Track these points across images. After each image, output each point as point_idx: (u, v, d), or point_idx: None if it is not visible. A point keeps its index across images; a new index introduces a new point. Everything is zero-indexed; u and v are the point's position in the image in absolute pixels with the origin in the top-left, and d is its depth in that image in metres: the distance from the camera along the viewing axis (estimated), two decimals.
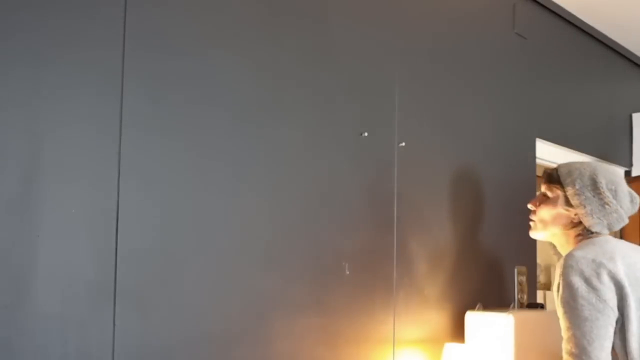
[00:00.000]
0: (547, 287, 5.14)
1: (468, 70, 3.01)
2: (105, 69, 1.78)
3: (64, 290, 1.68)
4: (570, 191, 2.15)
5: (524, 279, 3.12)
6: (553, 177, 2.22)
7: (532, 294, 3.23)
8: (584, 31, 3.85)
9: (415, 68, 2.72)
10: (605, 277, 1.98)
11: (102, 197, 1.76)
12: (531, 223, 2.30)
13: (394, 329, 2.55)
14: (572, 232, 2.18)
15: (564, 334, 2.00)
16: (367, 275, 2.41)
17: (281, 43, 2.23)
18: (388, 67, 2.61)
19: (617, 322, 1.99)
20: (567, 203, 2.17)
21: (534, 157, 3.40)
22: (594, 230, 2.13)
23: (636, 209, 2.19)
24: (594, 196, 2.13)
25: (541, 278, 5.10)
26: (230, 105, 2.07)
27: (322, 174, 2.33)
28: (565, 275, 2.01)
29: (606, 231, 2.15)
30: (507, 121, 3.23)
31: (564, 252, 2.18)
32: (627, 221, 2.18)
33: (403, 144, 2.46)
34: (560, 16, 3.63)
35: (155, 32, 1.89)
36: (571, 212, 2.17)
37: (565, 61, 3.73)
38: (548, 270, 5.17)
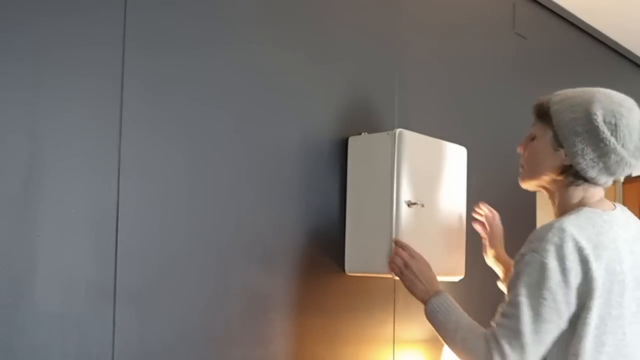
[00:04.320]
0: None
1: (468, 70, 3.01)
2: (105, 69, 1.78)
3: (64, 290, 1.68)
4: (558, 126, 1.71)
5: None
6: (542, 109, 1.79)
7: None
8: (584, 31, 3.85)
9: (415, 68, 2.72)
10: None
11: (102, 197, 1.76)
12: (520, 169, 1.86)
13: (394, 329, 2.55)
14: (563, 180, 1.74)
15: (506, 309, 1.66)
16: (367, 275, 2.41)
17: (281, 43, 2.24)
18: (388, 68, 2.61)
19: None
20: (556, 141, 1.72)
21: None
22: (587, 175, 1.69)
23: None
24: (586, 131, 1.66)
25: None
26: (230, 105, 2.07)
27: (322, 173, 2.33)
28: (539, 245, 1.62)
29: (604, 178, 1.71)
30: (507, 121, 3.23)
31: (560, 210, 1.76)
32: (635, 167, 1.71)
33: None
34: (560, 16, 3.63)
35: (155, 32, 1.89)
36: (561, 153, 1.71)
37: (566, 61, 3.73)
38: None
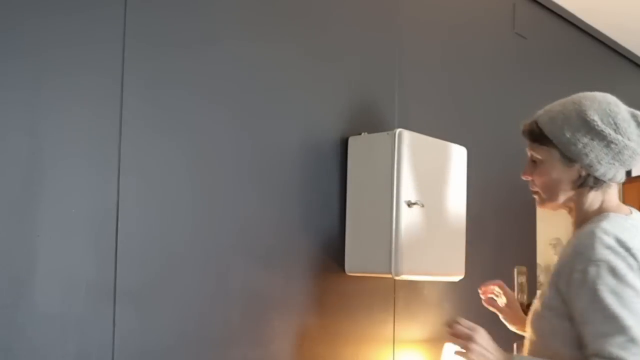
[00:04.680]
0: None
1: (468, 70, 3.01)
2: (105, 68, 1.78)
3: (64, 290, 1.68)
4: (562, 144, 1.70)
5: (524, 279, 3.12)
6: (535, 133, 1.76)
7: (532, 294, 3.22)
8: (584, 31, 3.85)
9: (415, 68, 2.72)
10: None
11: (102, 197, 1.76)
12: (535, 196, 1.83)
13: (394, 329, 2.55)
14: (585, 189, 1.72)
15: (602, 328, 1.55)
16: (367, 275, 2.41)
17: (282, 43, 2.23)
18: (388, 68, 2.61)
19: None
20: (566, 158, 1.70)
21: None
22: (607, 178, 1.69)
23: None
24: (592, 139, 1.67)
25: (541, 278, 5.09)
26: (230, 105, 2.07)
27: (322, 173, 2.33)
28: (595, 253, 1.58)
29: (621, 174, 1.71)
30: (507, 121, 3.23)
31: (580, 217, 1.74)
32: None
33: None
34: (560, 16, 3.63)
35: (155, 31, 1.89)
36: (575, 167, 1.70)
37: (566, 61, 3.73)
38: (548, 270, 5.17)
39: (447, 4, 2.94)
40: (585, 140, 1.67)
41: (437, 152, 2.42)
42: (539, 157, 1.76)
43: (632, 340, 1.52)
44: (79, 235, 1.71)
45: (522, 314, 2.02)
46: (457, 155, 2.50)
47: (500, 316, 2.04)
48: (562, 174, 1.72)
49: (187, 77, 1.96)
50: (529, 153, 1.79)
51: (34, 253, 1.63)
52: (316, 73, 2.34)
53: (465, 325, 1.78)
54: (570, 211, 1.78)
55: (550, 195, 1.77)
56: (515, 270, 2.94)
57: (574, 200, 1.76)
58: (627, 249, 1.59)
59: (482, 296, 2.05)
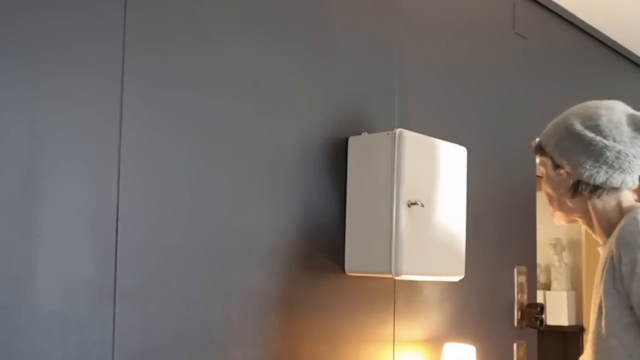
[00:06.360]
0: (547, 287, 5.14)
1: (468, 70, 3.01)
2: (105, 68, 1.78)
3: (64, 290, 1.67)
4: (550, 151, 1.72)
5: (524, 279, 3.12)
6: (538, 146, 1.79)
7: (532, 294, 3.23)
8: (584, 31, 3.85)
9: (415, 68, 2.72)
10: None
11: (102, 197, 1.76)
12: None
13: (394, 329, 2.55)
14: (582, 198, 1.69)
15: None
16: (367, 275, 2.41)
17: (282, 43, 2.23)
18: (388, 68, 2.61)
19: None
20: (556, 165, 1.72)
21: (534, 157, 3.39)
22: (598, 181, 1.64)
23: None
24: (574, 143, 1.65)
25: (541, 278, 5.10)
26: (230, 105, 2.07)
27: (322, 173, 2.33)
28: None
29: (618, 178, 1.64)
30: (507, 121, 3.23)
31: (602, 225, 1.70)
32: None
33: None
34: (560, 16, 3.63)
35: (155, 32, 1.89)
36: (563, 173, 1.70)
37: (566, 61, 3.73)
38: (548, 270, 5.17)
39: (447, 4, 2.94)
40: (566, 144, 1.68)
41: (437, 152, 2.42)
42: (541, 168, 1.79)
43: None
44: (79, 235, 1.71)
45: None
46: (457, 155, 2.50)
47: None
48: (557, 181, 1.73)
49: (187, 77, 1.96)
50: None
51: (34, 253, 1.63)
52: (316, 73, 2.34)
53: None
54: (590, 226, 1.74)
55: (554, 205, 1.78)
56: (515, 270, 2.94)
57: (580, 212, 1.73)
58: None
59: None
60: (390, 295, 2.54)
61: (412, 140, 2.30)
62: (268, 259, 2.14)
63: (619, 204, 1.69)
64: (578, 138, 1.66)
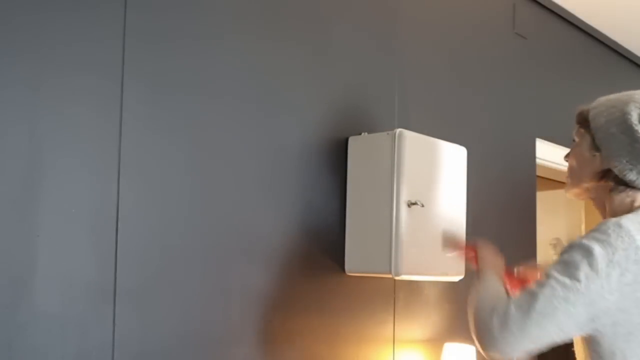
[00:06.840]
0: None
1: (468, 70, 3.01)
2: (105, 69, 1.78)
3: (64, 290, 1.68)
4: (594, 129, 1.62)
5: None
6: (582, 115, 1.68)
7: None
8: (584, 31, 3.85)
9: (415, 68, 2.72)
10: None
11: (102, 197, 1.76)
12: (566, 178, 1.77)
13: (394, 329, 2.55)
14: (605, 186, 1.63)
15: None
16: (367, 275, 2.41)
17: (281, 43, 2.24)
18: (388, 68, 2.61)
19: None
20: (594, 145, 1.62)
21: (534, 157, 3.40)
22: (627, 178, 1.57)
23: None
24: (621, 132, 1.57)
25: None
26: (230, 105, 2.07)
27: (322, 173, 2.33)
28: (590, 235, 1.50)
29: None
30: (507, 121, 3.23)
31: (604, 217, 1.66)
32: None
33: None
34: (560, 16, 3.63)
35: (155, 32, 1.89)
36: (597, 157, 1.62)
37: (566, 61, 3.73)
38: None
39: (447, 4, 2.94)
40: (614, 130, 1.58)
41: (437, 152, 2.42)
42: (576, 138, 1.70)
43: (519, 305, 1.54)
44: (79, 235, 1.71)
45: None
46: (457, 155, 2.50)
47: None
48: (587, 160, 1.65)
49: (187, 77, 1.96)
50: (573, 134, 1.72)
51: (34, 253, 1.63)
52: (316, 73, 2.34)
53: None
54: (600, 212, 1.70)
55: (572, 179, 1.71)
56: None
57: (596, 196, 1.69)
58: (636, 248, 1.46)
59: None
60: (390, 295, 2.54)
61: (412, 140, 2.30)
62: (268, 259, 2.14)
63: (632, 202, 1.63)
64: (629, 130, 1.56)
